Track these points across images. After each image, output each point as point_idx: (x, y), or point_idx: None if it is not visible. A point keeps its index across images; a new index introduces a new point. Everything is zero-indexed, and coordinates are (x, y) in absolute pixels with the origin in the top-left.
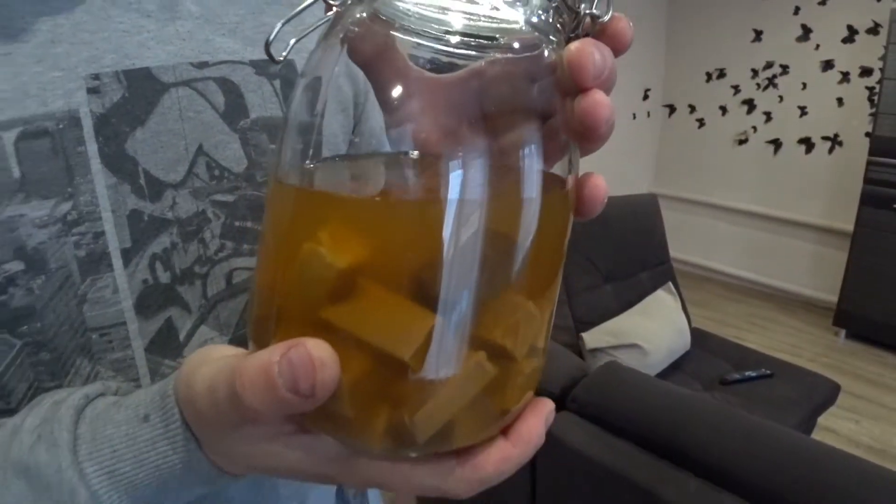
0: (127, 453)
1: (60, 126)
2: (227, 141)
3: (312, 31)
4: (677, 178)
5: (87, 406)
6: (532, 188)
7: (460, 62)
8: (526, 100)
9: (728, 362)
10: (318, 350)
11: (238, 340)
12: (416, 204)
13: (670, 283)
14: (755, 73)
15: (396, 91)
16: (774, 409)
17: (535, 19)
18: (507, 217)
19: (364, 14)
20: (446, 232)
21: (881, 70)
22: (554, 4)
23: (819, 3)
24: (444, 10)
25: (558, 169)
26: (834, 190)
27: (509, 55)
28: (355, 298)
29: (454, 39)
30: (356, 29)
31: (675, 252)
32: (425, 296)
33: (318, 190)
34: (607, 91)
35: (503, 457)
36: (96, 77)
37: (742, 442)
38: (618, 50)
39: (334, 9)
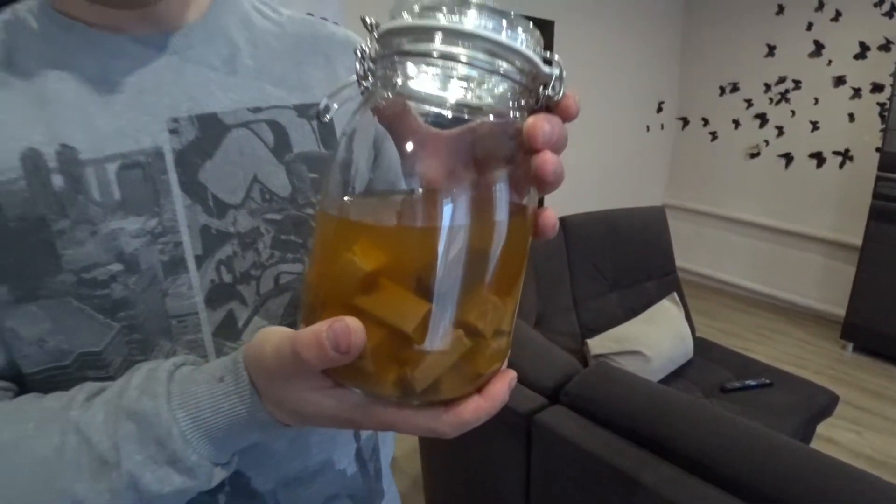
0: (206, 404)
1: (149, 160)
2: (275, 171)
3: (348, 101)
4: (690, 189)
5: (176, 371)
6: (501, 215)
7: (457, 122)
8: (500, 153)
9: (730, 371)
10: (352, 323)
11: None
12: (418, 229)
13: (675, 294)
14: (768, 87)
15: (409, 145)
16: (772, 416)
17: (508, 90)
18: (482, 237)
19: (389, 94)
20: (439, 249)
21: (892, 86)
22: (520, 89)
23: (831, 20)
24: (445, 88)
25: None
26: (844, 204)
27: (489, 120)
28: (377, 291)
29: (451, 110)
30: (383, 102)
31: (686, 263)
32: (424, 290)
33: (353, 219)
34: (558, 150)
35: (477, 407)
36: (175, 120)
37: (713, 434)
38: (567, 119)
39: (365, 86)
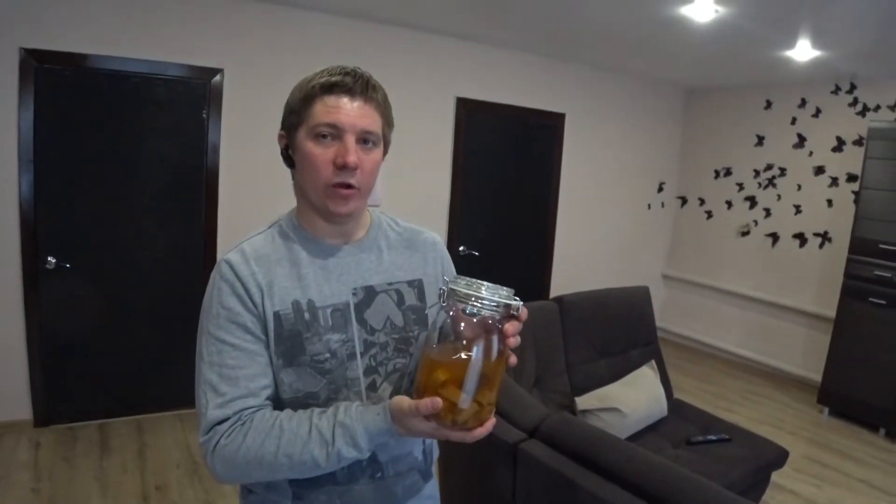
0: (371, 423)
1: (343, 307)
2: (397, 314)
3: (432, 306)
4: (688, 262)
5: (357, 407)
6: (495, 355)
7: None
8: (495, 331)
9: (698, 428)
10: (437, 400)
11: (396, 389)
12: (462, 361)
13: (653, 361)
14: (757, 173)
15: (460, 324)
16: (725, 464)
17: (496, 314)
18: (487, 364)
19: (453, 311)
20: (470, 370)
21: (860, 179)
22: (503, 310)
23: (812, 116)
24: (479, 308)
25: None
26: (823, 281)
27: (492, 319)
28: (446, 387)
29: (475, 316)
30: (449, 311)
31: (684, 329)
32: (461, 387)
33: (436, 358)
34: (517, 334)
35: (480, 432)
36: (355, 289)
37: (628, 458)
38: (521, 321)
39: (443, 305)
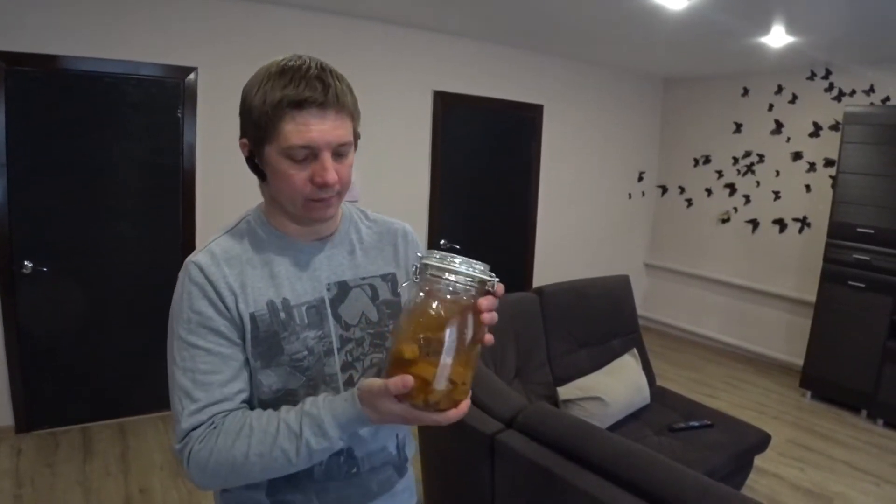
0: (339, 410)
1: (319, 304)
2: (371, 309)
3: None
4: (669, 251)
5: (326, 398)
6: (469, 333)
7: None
8: (470, 308)
9: (680, 414)
10: (409, 378)
11: None
12: (435, 337)
13: (635, 350)
14: (736, 160)
15: (430, 300)
16: (707, 450)
17: (471, 289)
18: (461, 342)
19: (428, 287)
20: (444, 347)
21: (837, 163)
22: (478, 286)
23: (789, 102)
24: (453, 283)
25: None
26: (803, 266)
27: (466, 294)
28: (417, 364)
29: (452, 294)
30: (423, 286)
31: (667, 318)
32: (437, 364)
33: (408, 334)
34: (492, 310)
35: (454, 414)
36: (329, 284)
37: (607, 446)
38: (497, 297)
39: (416, 280)
